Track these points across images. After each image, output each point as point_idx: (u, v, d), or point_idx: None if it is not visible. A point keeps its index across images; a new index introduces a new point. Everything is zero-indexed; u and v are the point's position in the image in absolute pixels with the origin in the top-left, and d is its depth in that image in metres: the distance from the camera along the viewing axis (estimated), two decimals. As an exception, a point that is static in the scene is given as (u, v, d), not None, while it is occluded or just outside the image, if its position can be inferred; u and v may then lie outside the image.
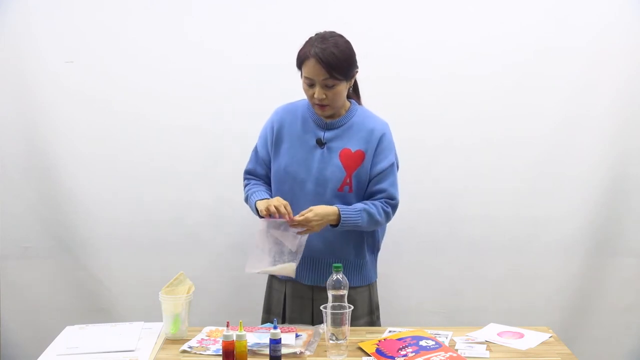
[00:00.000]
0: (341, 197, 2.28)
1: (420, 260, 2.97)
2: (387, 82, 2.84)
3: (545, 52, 2.88)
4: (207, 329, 2.22)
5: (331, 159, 2.29)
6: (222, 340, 1.92)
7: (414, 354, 1.98)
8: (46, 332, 2.28)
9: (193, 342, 2.10)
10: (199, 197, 2.97)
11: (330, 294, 2.02)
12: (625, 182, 2.95)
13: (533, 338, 2.15)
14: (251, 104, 2.89)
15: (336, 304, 2.01)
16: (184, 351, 2.06)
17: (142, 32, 2.90)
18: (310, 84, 2.23)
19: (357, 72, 2.29)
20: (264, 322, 2.43)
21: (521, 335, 2.17)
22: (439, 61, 2.90)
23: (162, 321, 2.18)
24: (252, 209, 2.36)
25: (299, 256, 2.21)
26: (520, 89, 2.91)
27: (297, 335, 2.11)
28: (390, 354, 1.99)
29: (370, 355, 2.01)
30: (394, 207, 2.33)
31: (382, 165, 2.30)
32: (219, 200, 2.96)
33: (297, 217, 2.19)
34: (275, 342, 1.92)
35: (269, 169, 2.38)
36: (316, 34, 2.25)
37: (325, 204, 2.24)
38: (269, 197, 2.33)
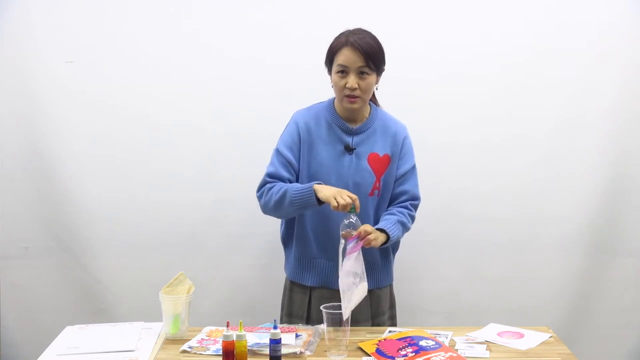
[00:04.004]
0: (371, 200, 2.32)
1: (420, 260, 2.97)
2: (387, 82, 2.82)
3: (545, 53, 2.88)
4: (207, 329, 2.22)
5: (360, 164, 2.31)
6: (222, 340, 1.92)
7: (414, 354, 1.98)
8: (46, 332, 2.28)
9: (193, 342, 2.10)
10: (199, 197, 2.96)
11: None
12: (625, 182, 2.95)
13: (533, 338, 2.15)
14: (252, 104, 2.90)
15: (336, 304, 2.02)
16: (184, 351, 2.06)
17: (142, 32, 2.89)
18: (343, 72, 2.23)
19: (384, 69, 2.30)
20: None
21: (521, 335, 2.17)
22: (439, 61, 2.90)
23: (162, 321, 2.18)
24: (289, 202, 2.19)
25: (364, 273, 2.15)
26: (520, 90, 2.91)
27: (297, 335, 2.12)
28: (390, 354, 1.99)
29: (370, 355, 2.01)
30: (417, 207, 2.40)
31: (406, 167, 2.37)
32: (219, 200, 2.96)
33: (368, 229, 2.16)
34: (275, 342, 1.92)
35: (295, 172, 2.31)
36: (345, 30, 2.27)
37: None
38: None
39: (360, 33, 2.24)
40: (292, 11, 2.88)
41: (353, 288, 2.10)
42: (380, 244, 2.21)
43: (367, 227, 2.16)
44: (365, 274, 2.15)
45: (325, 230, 2.32)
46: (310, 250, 2.36)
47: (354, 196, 2.12)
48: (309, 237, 2.36)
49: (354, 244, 2.12)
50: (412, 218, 2.38)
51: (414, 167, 2.39)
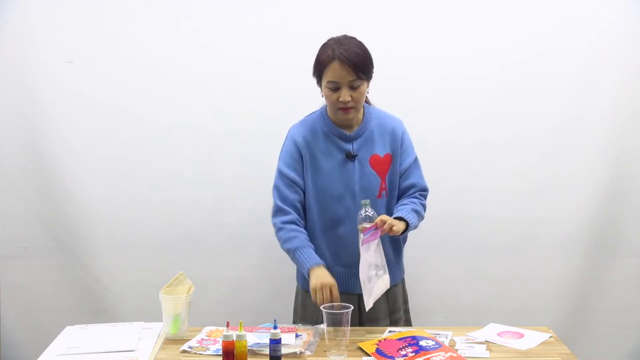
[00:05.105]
0: (381, 202, 2.33)
1: (420, 260, 2.97)
2: (387, 83, 2.81)
3: (545, 53, 2.88)
4: (207, 329, 2.22)
5: (364, 169, 2.31)
6: (222, 340, 1.92)
7: (414, 354, 1.98)
8: (46, 332, 2.28)
9: (193, 342, 2.10)
10: (199, 197, 2.96)
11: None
12: (625, 182, 2.95)
13: (533, 338, 2.15)
14: (252, 104, 2.90)
15: (336, 304, 2.03)
16: (184, 351, 2.06)
17: (142, 32, 2.90)
18: (335, 87, 2.20)
19: (374, 72, 2.28)
20: None
21: (521, 335, 2.17)
22: (439, 61, 2.90)
23: (162, 321, 2.18)
24: (292, 258, 2.28)
25: (385, 265, 2.20)
26: (520, 90, 2.91)
27: (297, 335, 2.12)
28: (390, 354, 1.99)
29: (370, 355, 2.01)
30: (426, 197, 2.42)
31: (408, 161, 2.37)
32: (219, 200, 2.96)
33: (385, 219, 2.16)
34: (275, 342, 1.92)
35: (301, 189, 2.30)
36: (330, 39, 2.24)
37: None
38: (317, 257, 2.24)
39: (346, 43, 2.19)
40: (292, 11, 2.88)
41: (375, 280, 2.13)
42: (400, 231, 2.20)
43: (384, 218, 2.16)
44: (386, 265, 2.17)
45: (337, 239, 2.32)
46: (324, 261, 2.29)
47: (335, 293, 2.14)
48: (322, 249, 2.33)
49: (371, 233, 2.13)
50: (424, 206, 2.39)
51: (416, 160, 2.40)
